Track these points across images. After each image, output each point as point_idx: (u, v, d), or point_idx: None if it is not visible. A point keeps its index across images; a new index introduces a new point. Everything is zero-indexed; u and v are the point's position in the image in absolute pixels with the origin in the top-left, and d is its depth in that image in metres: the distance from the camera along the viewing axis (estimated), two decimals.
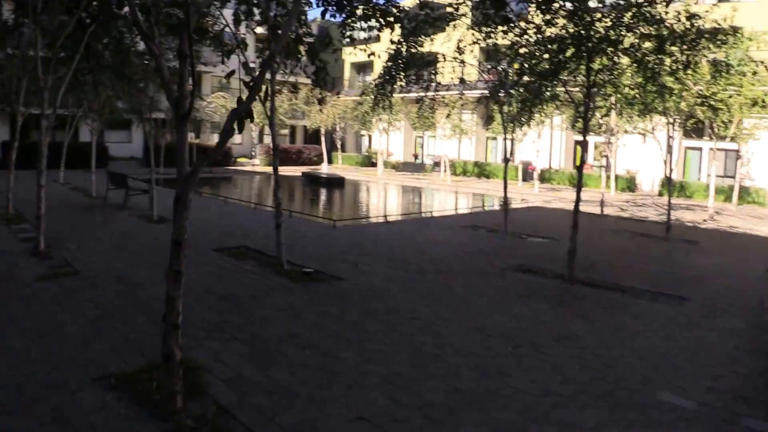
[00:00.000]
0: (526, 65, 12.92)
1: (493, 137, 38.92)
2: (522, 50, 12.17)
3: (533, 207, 22.91)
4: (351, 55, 50.44)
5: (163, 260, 4.87)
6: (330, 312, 7.80)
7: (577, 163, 38.18)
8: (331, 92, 42.70)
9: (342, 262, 11.02)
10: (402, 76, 15.16)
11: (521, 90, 15.07)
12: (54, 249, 11.38)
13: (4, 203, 15.90)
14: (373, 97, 15.11)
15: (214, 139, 44.29)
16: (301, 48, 10.14)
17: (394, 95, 15.59)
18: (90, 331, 6.79)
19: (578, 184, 10.78)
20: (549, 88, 13.78)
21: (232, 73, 5.47)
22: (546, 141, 35.79)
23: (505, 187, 15.76)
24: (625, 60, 11.66)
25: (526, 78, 14.44)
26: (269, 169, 40.68)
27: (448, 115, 17.25)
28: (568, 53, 10.71)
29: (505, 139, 15.64)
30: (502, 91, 15.34)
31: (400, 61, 14.68)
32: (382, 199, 27.70)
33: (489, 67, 16.06)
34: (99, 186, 20.71)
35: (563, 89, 14.65)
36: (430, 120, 35.02)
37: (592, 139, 36.49)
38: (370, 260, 11.29)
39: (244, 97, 4.74)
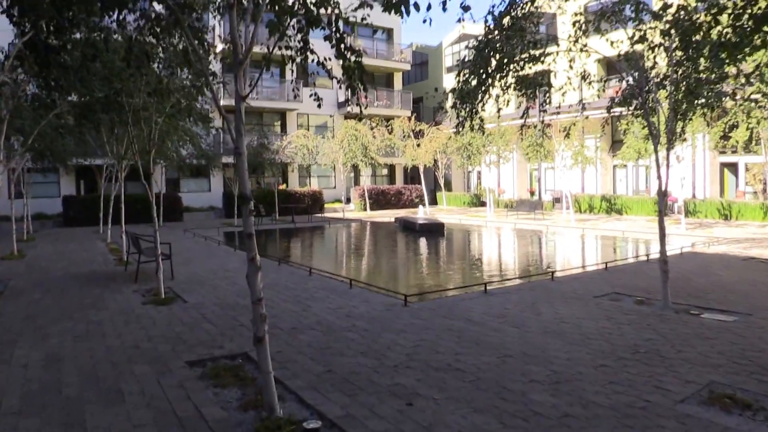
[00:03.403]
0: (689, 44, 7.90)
1: (622, 164, 33.03)
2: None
3: (687, 253, 17.13)
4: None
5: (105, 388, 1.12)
6: None
7: (726, 190, 31.73)
8: (430, 123, 38.32)
9: (388, 395, 6.14)
10: (497, 78, 10.34)
11: (679, 86, 9.93)
12: None
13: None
14: (449, 110, 10.32)
15: (314, 184, 40.80)
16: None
17: (485, 109, 10.77)
18: None
19: None
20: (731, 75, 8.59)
21: None
22: (686, 165, 29.43)
23: (662, 235, 10.43)
24: None
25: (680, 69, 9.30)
26: (364, 215, 36.70)
27: (567, 135, 12.10)
28: None
29: (657, 163, 10.33)
30: (647, 91, 10.15)
31: (492, 54, 9.85)
32: (488, 250, 22.31)
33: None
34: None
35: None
36: (545, 148, 29.71)
37: (741, 160, 30.10)
38: (439, 385, 6.36)
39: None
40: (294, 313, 9.88)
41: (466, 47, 10.07)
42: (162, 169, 31.32)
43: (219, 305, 10.71)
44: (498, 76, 10.28)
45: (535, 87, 10.88)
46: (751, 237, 20.86)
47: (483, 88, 10.33)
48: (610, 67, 30.87)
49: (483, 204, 40.29)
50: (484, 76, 10.11)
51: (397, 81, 46.12)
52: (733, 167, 30.93)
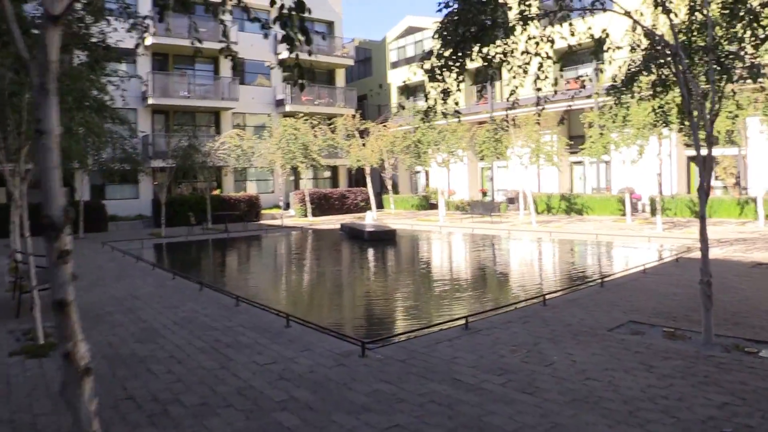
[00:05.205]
0: None
1: (589, 161, 30.83)
2: None
3: (684, 260, 14.88)
4: (398, 76, 43.51)
5: None
6: None
7: (693, 185, 29.87)
8: (376, 121, 35.71)
9: None
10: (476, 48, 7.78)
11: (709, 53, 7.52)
12: None
13: None
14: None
15: (251, 188, 37.63)
16: None
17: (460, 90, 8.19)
18: None
19: None
20: None
21: None
22: (650, 160, 27.12)
23: (705, 249, 7.91)
24: None
25: None
26: (305, 221, 33.49)
27: (561, 122, 9.69)
28: None
29: (698, 152, 7.77)
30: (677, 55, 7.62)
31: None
32: (451, 264, 18.97)
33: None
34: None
35: None
36: (503, 144, 27.29)
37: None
38: None
39: None
40: (208, 373, 6.97)
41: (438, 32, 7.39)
42: (81, 174, 27.72)
43: (109, 357, 7.74)
44: (478, 45, 7.69)
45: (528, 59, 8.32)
46: (739, 237, 18.88)
47: (460, 57, 7.72)
48: (567, 59, 28.42)
49: (432, 206, 37.78)
50: (462, 36, 7.45)
51: (340, 77, 43.22)
52: None
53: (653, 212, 26.68)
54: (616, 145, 22.72)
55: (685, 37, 8.38)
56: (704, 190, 7.60)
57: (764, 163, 22.85)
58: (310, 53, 4.84)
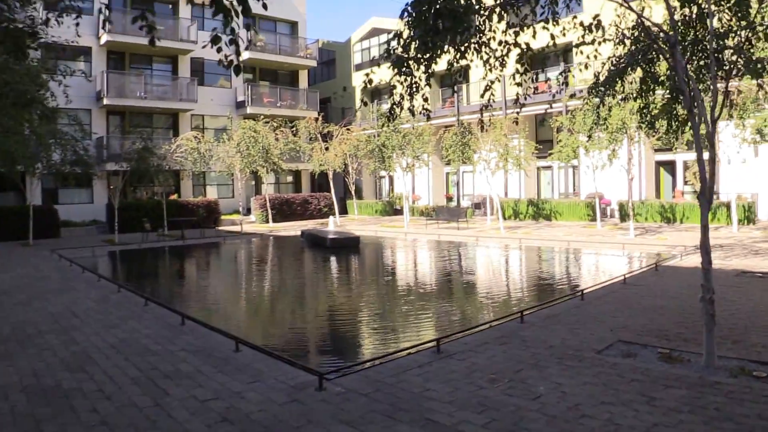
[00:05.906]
0: None
1: (560, 166, 30.15)
2: None
3: (664, 268, 14.18)
4: (361, 79, 42.63)
5: None
6: None
7: (662, 190, 29.44)
8: (339, 124, 34.80)
9: None
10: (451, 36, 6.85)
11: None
12: None
13: None
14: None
15: (211, 193, 36.44)
16: None
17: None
18: None
19: None
20: None
21: None
22: (618, 165, 26.35)
23: (708, 262, 7.07)
24: None
25: None
26: (266, 228, 32.29)
27: (543, 121, 8.81)
28: None
29: (699, 153, 6.99)
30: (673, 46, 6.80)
31: None
32: (418, 275, 17.31)
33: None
34: None
35: None
36: (471, 148, 26.51)
37: (679, 157, 27.85)
38: None
39: None
40: (138, 412, 5.90)
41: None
42: (30, 177, 26.18)
43: (30, 390, 6.58)
44: (449, 34, 6.73)
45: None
46: (715, 243, 18.12)
47: (431, 47, 6.78)
48: (534, 62, 28.30)
49: (397, 212, 36.97)
50: (433, 23, 6.51)
51: (303, 79, 42.17)
52: (669, 165, 28.64)
53: (623, 218, 26.17)
54: (587, 149, 22.03)
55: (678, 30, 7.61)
56: (706, 196, 6.78)
57: (736, 167, 22.33)
58: (248, 27, 3.95)
